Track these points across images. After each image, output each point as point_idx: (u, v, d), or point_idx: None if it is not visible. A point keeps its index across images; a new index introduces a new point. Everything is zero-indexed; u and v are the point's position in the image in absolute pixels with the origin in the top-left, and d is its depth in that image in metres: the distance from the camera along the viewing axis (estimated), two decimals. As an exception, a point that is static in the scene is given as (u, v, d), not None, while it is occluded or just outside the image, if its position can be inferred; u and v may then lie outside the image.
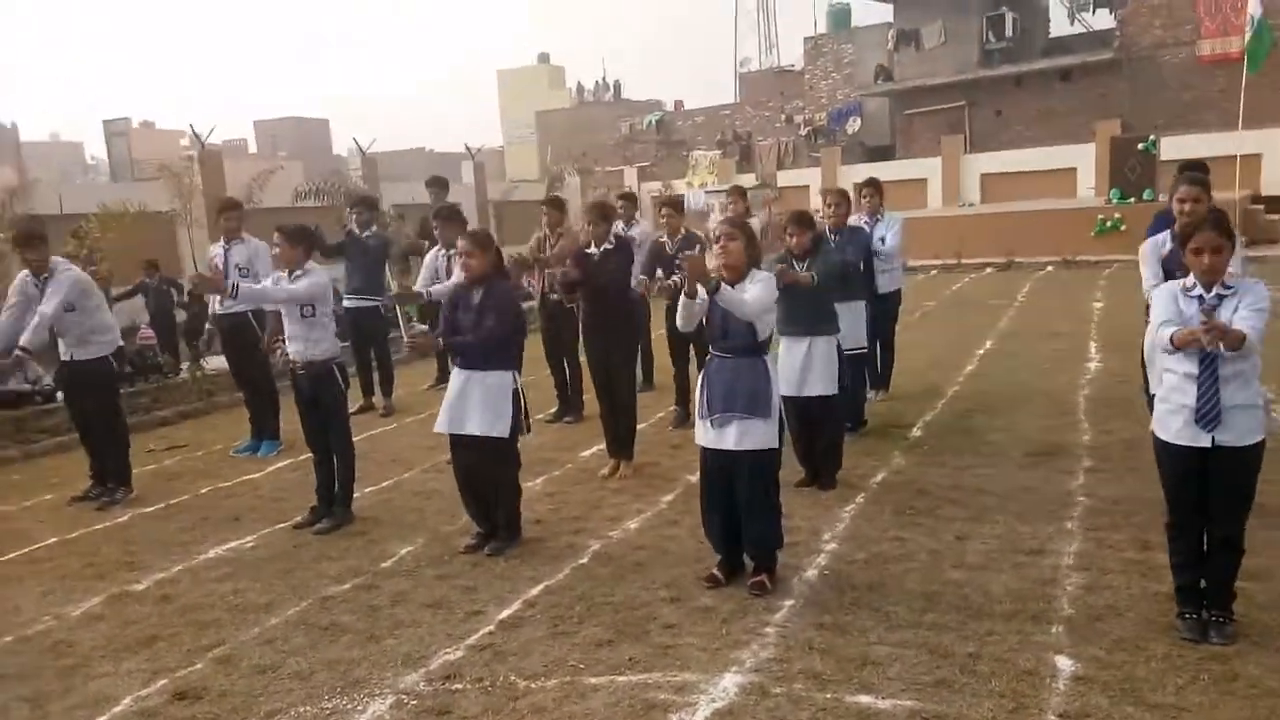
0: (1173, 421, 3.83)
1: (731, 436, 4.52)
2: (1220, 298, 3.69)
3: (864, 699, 3.53)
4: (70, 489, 6.87)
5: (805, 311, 6.02)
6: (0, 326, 6.40)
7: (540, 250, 7.99)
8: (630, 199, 10.18)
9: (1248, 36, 17.94)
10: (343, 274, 8.94)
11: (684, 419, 7.82)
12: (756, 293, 4.46)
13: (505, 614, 4.43)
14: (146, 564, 5.37)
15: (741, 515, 4.59)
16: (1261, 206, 22.16)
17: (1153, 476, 4.11)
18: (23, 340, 6.17)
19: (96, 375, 6.49)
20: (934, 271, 20.39)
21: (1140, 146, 21.16)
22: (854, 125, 36.94)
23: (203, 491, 6.83)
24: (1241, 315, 3.60)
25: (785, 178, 34.14)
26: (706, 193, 32.69)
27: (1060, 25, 31.78)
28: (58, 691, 3.90)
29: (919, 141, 32.08)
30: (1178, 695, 3.43)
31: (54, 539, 5.91)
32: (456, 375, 5.22)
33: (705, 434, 4.62)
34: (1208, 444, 3.75)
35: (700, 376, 4.74)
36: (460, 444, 5.22)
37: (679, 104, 45.09)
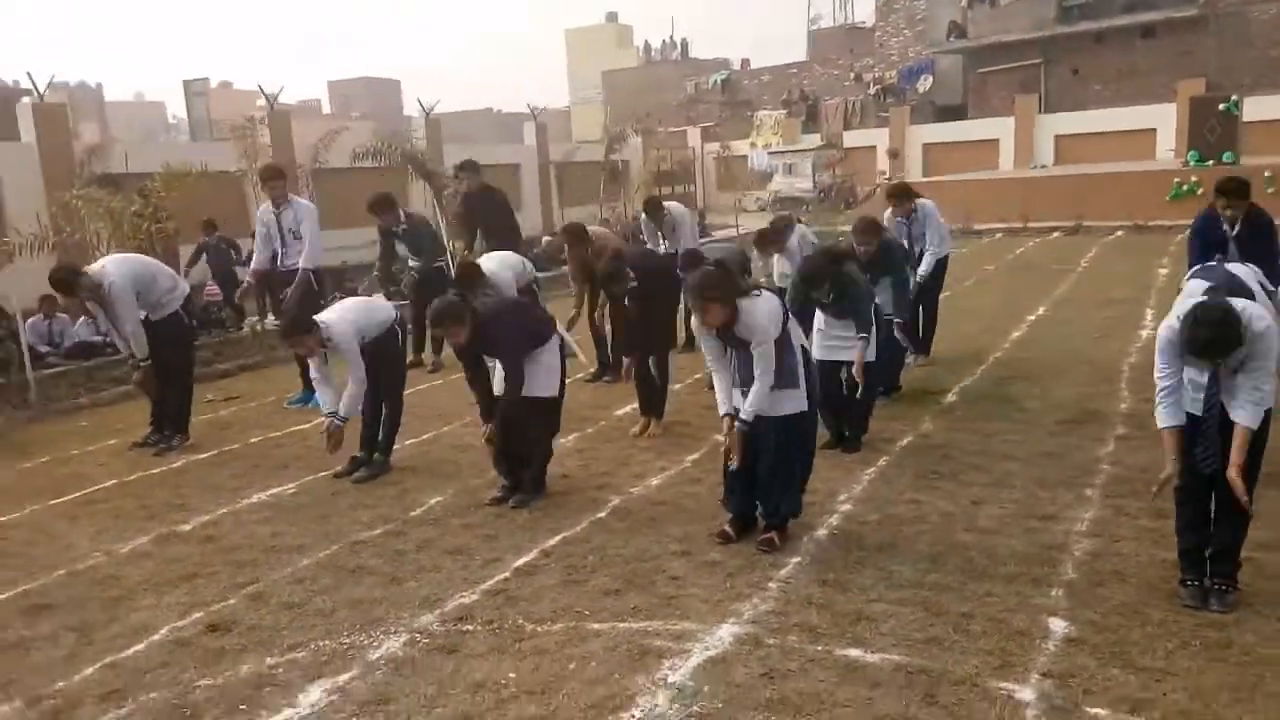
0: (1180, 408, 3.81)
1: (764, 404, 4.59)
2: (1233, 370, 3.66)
3: (854, 652, 3.63)
4: (133, 435, 7.25)
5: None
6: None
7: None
8: (656, 205, 9.88)
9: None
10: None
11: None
12: (764, 351, 4.46)
13: (521, 562, 4.62)
14: (195, 506, 5.69)
15: (762, 479, 4.67)
16: (1352, 169, 21.12)
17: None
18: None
19: (171, 327, 6.85)
20: (999, 235, 19.96)
21: (1221, 107, 20.31)
22: (925, 84, 36.14)
23: (253, 440, 7.16)
24: (1242, 400, 3.65)
25: (851, 138, 33.61)
26: (769, 154, 32.38)
27: (1145, -21, 30.50)
28: (102, 621, 4.21)
29: (992, 101, 31.30)
30: (1167, 660, 3.46)
31: (112, 481, 6.29)
32: None
33: (737, 401, 4.67)
34: (1199, 412, 3.74)
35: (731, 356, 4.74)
36: (506, 403, 5.36)
37: (745, 63, 44.59)
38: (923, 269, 8.13)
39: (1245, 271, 4.42)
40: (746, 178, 31.98)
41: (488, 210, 10.03)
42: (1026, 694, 3.28)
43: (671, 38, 55.26)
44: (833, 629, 3.81)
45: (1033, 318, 10.34)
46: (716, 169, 33.77)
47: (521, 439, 5.38)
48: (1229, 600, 3.81)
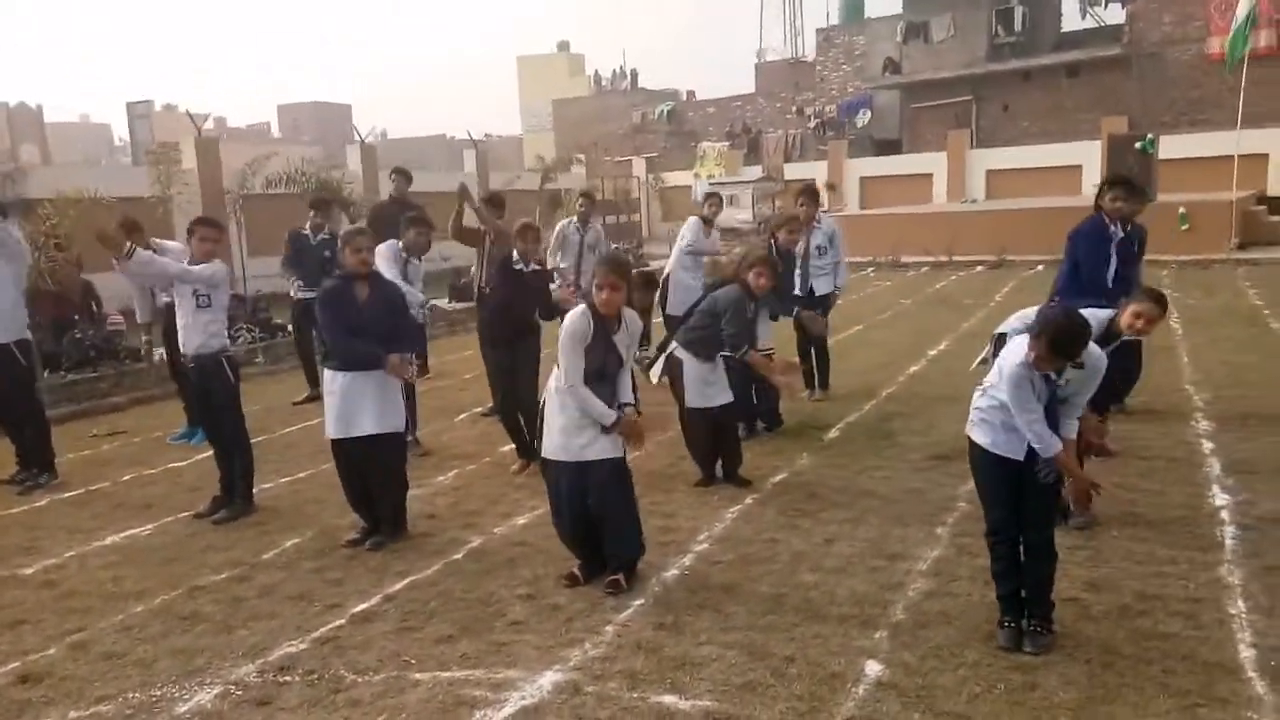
0: (995, 435, 3.87)
1: (589, 450, 4.57)
2: (1068, 380, 3.77)
3: (668, 699, 3.60)
4: (2, 473, 7.05)
5: (703, 339, 6.13)
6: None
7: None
8: (589, 197, 10.22)
9: (1230, 34, 17.79)
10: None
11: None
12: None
13: (361, 608, 4.54)
14: (44, 549, 5.53)
15: (600, 524, 4.65)
16: (1265, 207, 21.85)
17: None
18: None
19: (5, 363, 6.60)
20: (924, 269, 20.30)
21: (1137, 145, 20.89)
22: (864, 118, 36.75)
23: (125, 478, 6.99)
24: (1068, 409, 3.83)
25: (792, 170, 33.99)
26: (710, 184, 32.65)
27: (1072, 19, 31.49)
28: (-90, 672, 4.06)
29: (926, 136, 31.91)
30: (969, 704, 3.48)
31: (-34, 522, 6.10)
32: (335, 379, 5.27)
33: (561, 449, 4.65)
34: (1020, 457, 3.80)
35: (554, 399, 4.72)
36: (350, 443, 5.29)
37: (691, 94, 45.09)
38: (840, 280, 8.33)
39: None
40: (689, 208, 32.27)
41: (394, 219, 9.93)
42: (824, 741, 3.28)
43: (622, 68, 55.76)
44: (653, 675, 3.79)
45: (934, 352, 10.49)
46: (658, 199, 34.02)
47: (373, 477, 5.31)
48: (1043, 642, 3.85)
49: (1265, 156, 23.42)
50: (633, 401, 4.73)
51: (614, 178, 34.37)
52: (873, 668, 3.76)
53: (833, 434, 7.30)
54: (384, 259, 7.16)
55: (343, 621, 4.40)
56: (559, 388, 4.59)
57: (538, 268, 6.66)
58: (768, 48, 53.49)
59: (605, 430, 4.55)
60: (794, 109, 38.27)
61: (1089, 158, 26.13)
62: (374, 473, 5.29)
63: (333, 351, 5.34)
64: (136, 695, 3.80)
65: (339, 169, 16.77)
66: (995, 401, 3.86)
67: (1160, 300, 4.62)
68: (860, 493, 5.88)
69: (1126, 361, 7.33)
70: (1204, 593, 4.32)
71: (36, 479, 6.78)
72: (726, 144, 36.53)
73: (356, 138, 23.94)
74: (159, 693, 3.82)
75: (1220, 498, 5.57)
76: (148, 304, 8.66)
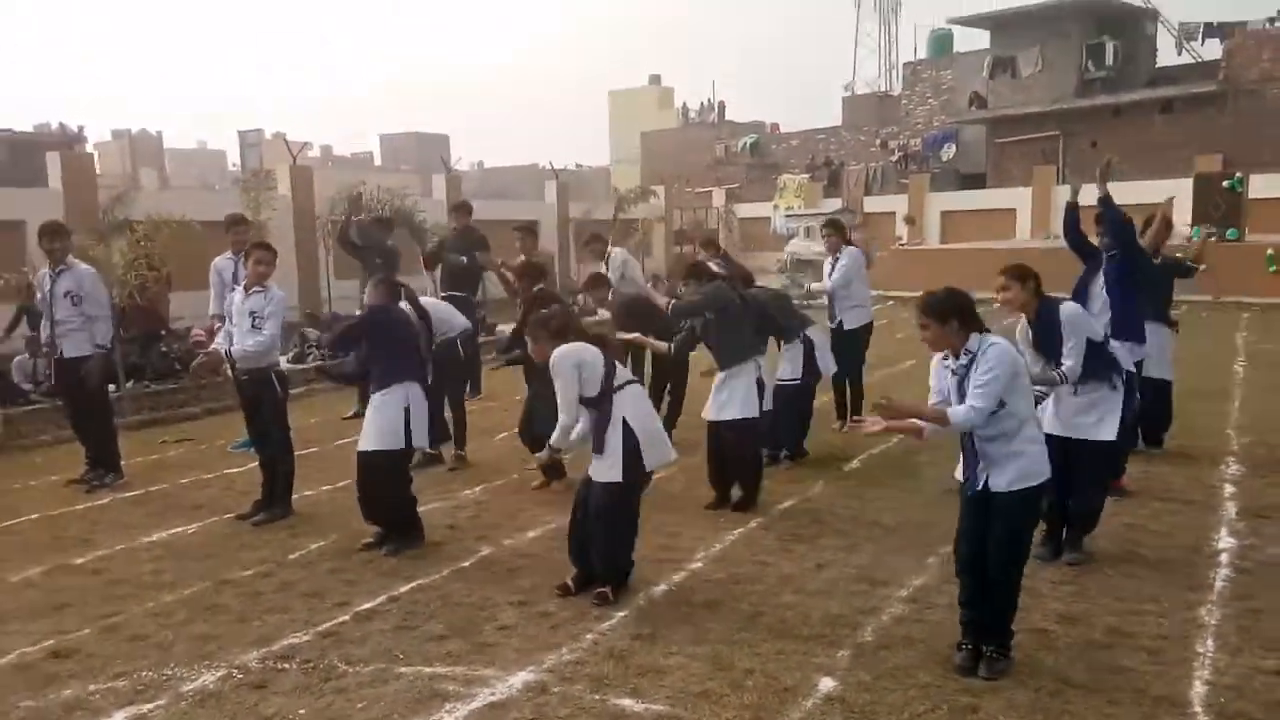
0: (959, 461, 4.02)
1: (590, 466, 4.88)
2: (965, 367, 3.90)
3: (626, 702, 3.83)
4: (76, 473, 7.66)
5: (722, 347, 6.33)
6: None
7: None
8: (599, 240, 10.27)
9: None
10: None
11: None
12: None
13: (365, 606, 4.88)
14: (99, 542, 6.05)
15: (592, 538, 4.91)
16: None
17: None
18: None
19: (89, 371, 7.23)
20: (996, 305, 19.98)
21: (1225, 184, 20.33)
22: (949, 152, 36.37)
23: (183, 481, 7.54)
24: (970, 391, 3.86)
25: (871, 203, 33.88)
26: (788, 216, 32.76)
27: (1167, 55, 30.70)
28: (-38, 643, 4.54)
29: (1011, 171, 31.39)
30: (907, 721, 3.61)
31: (36, 515, 6.68)
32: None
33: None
34: (963, 478, 3.95)
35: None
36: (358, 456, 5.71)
37: (775, 127, 45.22)
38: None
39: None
40: (767, 239, 32.42)
41: (455, 248, 10.36)
42: (759, 748, 3.46)
43: (710, 100, 56.27)
44: (618, 680, 4.01)
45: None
46: (735, 230, 34.27)
47: (370, 490, 5.70)
48: (998, 668, 3.95)
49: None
50: None
51: (693, 209, 34.77)
52: (826, 684, 3.92)
53: (854, 464, 7.41)
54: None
55: (346, 618, 4.74)
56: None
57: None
58: (858, 81, 53.43)
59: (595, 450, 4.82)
60: (878, 142, 38.11)
61: (1179, 196, 25.41)
62: (364, 486, 5.67)
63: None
64: (150, 674, 4.19)
65: (411, 196, 17.48)
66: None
67: (1008, 270, 5.11)
68: (864, 522, 6.00)
69: (1157, 405, 7.29)
70: (1176, 631, 4.35)
71: (103, 479, 7.36)
72: (807, 176, 36.56)
73: (455, 165, 24.85)
74: (170, 672, 4.20)
75: (1225, 541, 5.52)
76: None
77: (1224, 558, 5.25)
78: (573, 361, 4.80)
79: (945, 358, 4.00)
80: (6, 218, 16.54)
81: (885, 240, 31.06)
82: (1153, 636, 4.30)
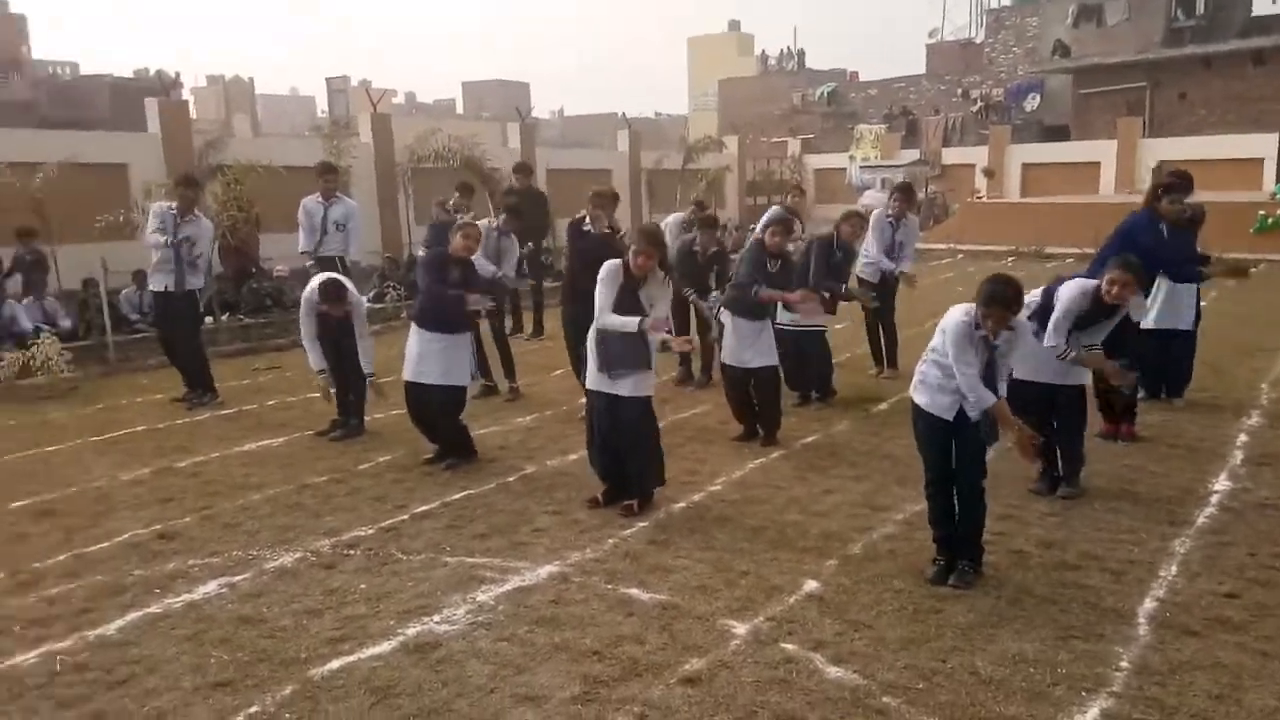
0: (930, 396, 4.47)
1: (620, 386, 5.45)
2: (1007, 341, 4.36)
3: (634, 591, 4.44)
4: (178, 392, 8.56)
5: (736, 298, 6.83)
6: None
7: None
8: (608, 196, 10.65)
9: None
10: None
11: (686, 378, 8.72)
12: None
13: (422, 509, 5.58)
14: (197, 450, 6.89)
15: (625, 453, 5.51)
16: None
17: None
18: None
19: (189, 305, 8.10)
20: (1069, 260, 19.84)
21: (1314, 138, 19.73)
22: (1033, 103, 35.62)
23: (270, 403, 8.38)
24: (1001, 369, 4.41)
25: (950, 155, 33.45)
26: (862, 168, 32.58)
27: (1263, 3, 29.47)
28: (85, 526, 5.38)
29: (1095, 123, 30.70)
30: (875, 616, 4.14)
31: (143, 427, 7.58)
32: (415, 335, 6.38)
33: (598, 381, 5.54)
34: (949, 418, 4.40)
35: (594, 336, 5.58)
36: (416, 387, 6.38)
37: (854, 75, 44.63)
38: (905, 265, 8.91)
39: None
40: (841, 191, 32.32)
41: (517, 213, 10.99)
42: (741, 629, 4.04)
43: (790, 48, 55.57)
44: (630, 575, 4.62)
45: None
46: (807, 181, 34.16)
47: (432, 416, 6.40)
48: (968, 579, 4.44)
49: None
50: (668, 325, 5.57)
51: (766, 158, 34.75)
52: (810, 585, 4.47)
53: (882, 407, 7.85)
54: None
55: (405, 517, 5.45)
56: (596, 327, 5.46)
57: (608, 231, 7.44)
58: (947, 26, 52.15)
59: (636, 344, 5.32)
60: (959, 92, 37.44)
61: (1270, 151, 24.69)
62: (434, 415, 6.35)
63: (424, 301, 6.41)
64: (239, 553, 4.96)
65: (482, 145, 18.09)
66: (935, 367, 4.46)
67: (1128, 266, 5.18)
68: (879, 456, 6.48)
69: (1171, 356, 7.57)
70: (1144, 557, 4.76)
71: (201, 399, 8.24)
72: (883, 127, 36.19)
73: (532, 114, 25.37)
74: (255, 553, 4.96)
75: (1221, 484, 5.85)
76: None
77: (1214, 499, 5.59)
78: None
79: (977, 326, 4.35)
80: (111, 160, 17.69)
81: (962, 193, 30.80)
82: (1121, 561, 4.72)
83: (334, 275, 7.13)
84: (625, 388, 5.42)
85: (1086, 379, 5.70)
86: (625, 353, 5.40)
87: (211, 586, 4.56)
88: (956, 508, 4.50)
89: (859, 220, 8.12)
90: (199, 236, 8.13)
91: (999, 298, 4.23)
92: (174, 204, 8.15)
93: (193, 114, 20.79)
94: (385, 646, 3.93)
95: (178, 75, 32.02)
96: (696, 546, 4.96)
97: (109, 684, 3.68)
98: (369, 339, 7.06)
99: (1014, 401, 4.49)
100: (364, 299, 7.37)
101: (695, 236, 7.82)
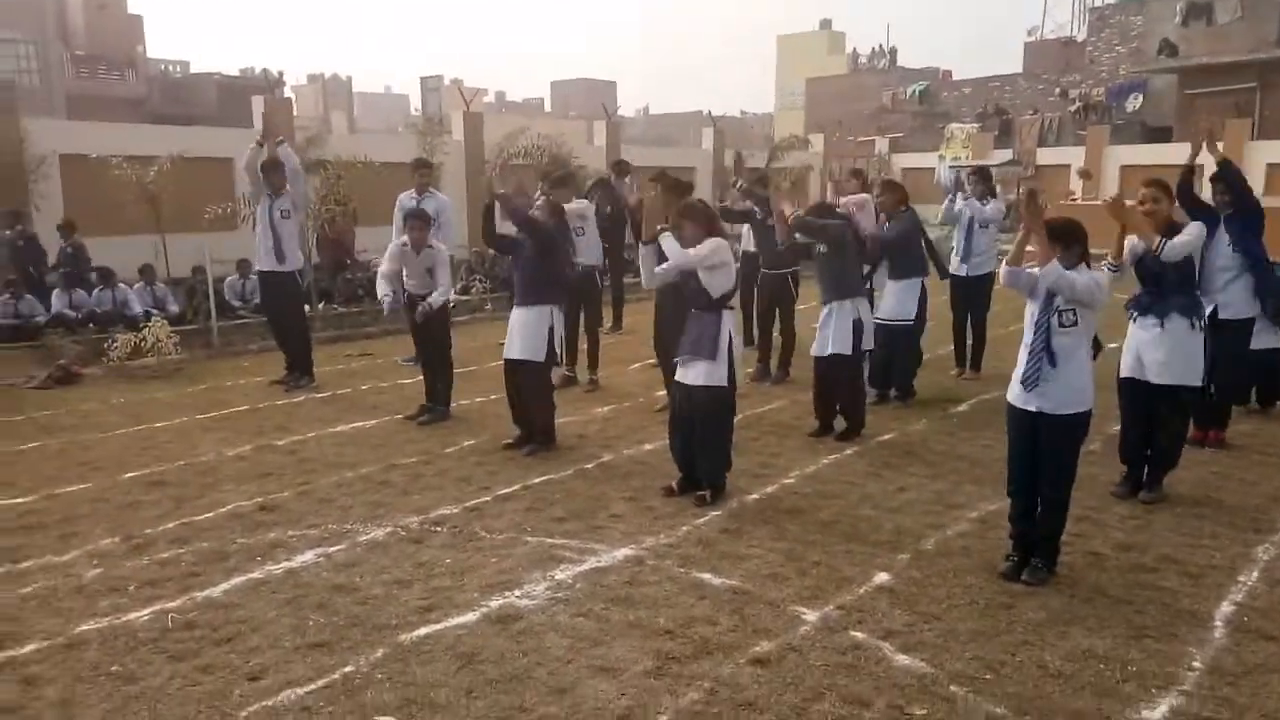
0: (1012, 385, 4.50)
1: (690, 374, 5.59)
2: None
3: (706, 576, 4.57)
4: (277, 375, 8.98)
5: (826, 282, 6.86)
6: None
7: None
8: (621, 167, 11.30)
9: None
10: None
11: (763, 374, 8.80)
12: (700, 251, 5.46)
13: (504, 491, 5.80)
14: (294, 430, 7.25)
15: (695, 442, 5.64)
16: None
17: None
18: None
19: (290, 286, 8.51)
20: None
21: None
22: (1135, 103, 34.44)
23: (363, 387, 8.74)
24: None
25: (1045, 155, 32.56)
26: (950, 166, 31.97)
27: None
28: (193, 496, 5.74)
29: (1199, 124, 29.53)
30: (945, 609, 4.20)
31: (245, 406, 8.00)
32: (513, 314, 6.68)
33: (678, 372, 5.70)
34: (1033, 408, 4.40)
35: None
36: (507, 364, 6.63)
37: (946, 74, 43.79)
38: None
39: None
40: (929, 191, 31.81)
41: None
42: (811, 616, 4.13)
43: (882, 46, 54.78)
44: (703, 560, 4.75)
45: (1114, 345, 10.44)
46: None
47: (519, 396, 6.61)
48: (1041, 576, 4.45)
49: None
50: None
51: (853, 157, 34.35)
52: (881, 577, 4.53)
53: (961, 408, 7.81)
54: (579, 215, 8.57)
55: (488, 498, 5.67)
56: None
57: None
58: (1048, 23, 50.78)
59: (704, 331, 5.50)
60: (1057, 91, 36.42)
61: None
62: (518, 390, 6.57)
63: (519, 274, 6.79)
64: (333, 526, 5.24)
65: (567, 144, 18.36)
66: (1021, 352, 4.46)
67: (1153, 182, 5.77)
68: (955, 456, 6.47)
69: (1272, 371, 7.35)
70: (1224, 562, 4.70)
71: (298, 381, 8.65)
72: (976, 126, 35.43)
73: (620, 111, 25.65)
74: (349, 526, 5.24)
75: (1311, 494, 5.71)
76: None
77: (1301, 508, 5.47)
78: (727, 253, 5.55)
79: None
80: (218, 155, 18.50)
81: (1056, 195, 30.00)
82: (1200, 565, 4.67)
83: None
84: (696, 376, 5.55)
85: (1196, 377, 5.65)
86: (694, 339, 5.54)
87: (309, 556, 4.84)
88: (1038, 507, 4.51)
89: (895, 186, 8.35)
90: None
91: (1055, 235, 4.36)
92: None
93: (294, 111, 21.57)
94: (470, 617, 4.14)
95: (281, 74, 33.23)
96: (769, 536, 5.06)
97: (215, 640, 3.96)
98: (448, 284, 7.55)
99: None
100: (448, 254, 7.78)
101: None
